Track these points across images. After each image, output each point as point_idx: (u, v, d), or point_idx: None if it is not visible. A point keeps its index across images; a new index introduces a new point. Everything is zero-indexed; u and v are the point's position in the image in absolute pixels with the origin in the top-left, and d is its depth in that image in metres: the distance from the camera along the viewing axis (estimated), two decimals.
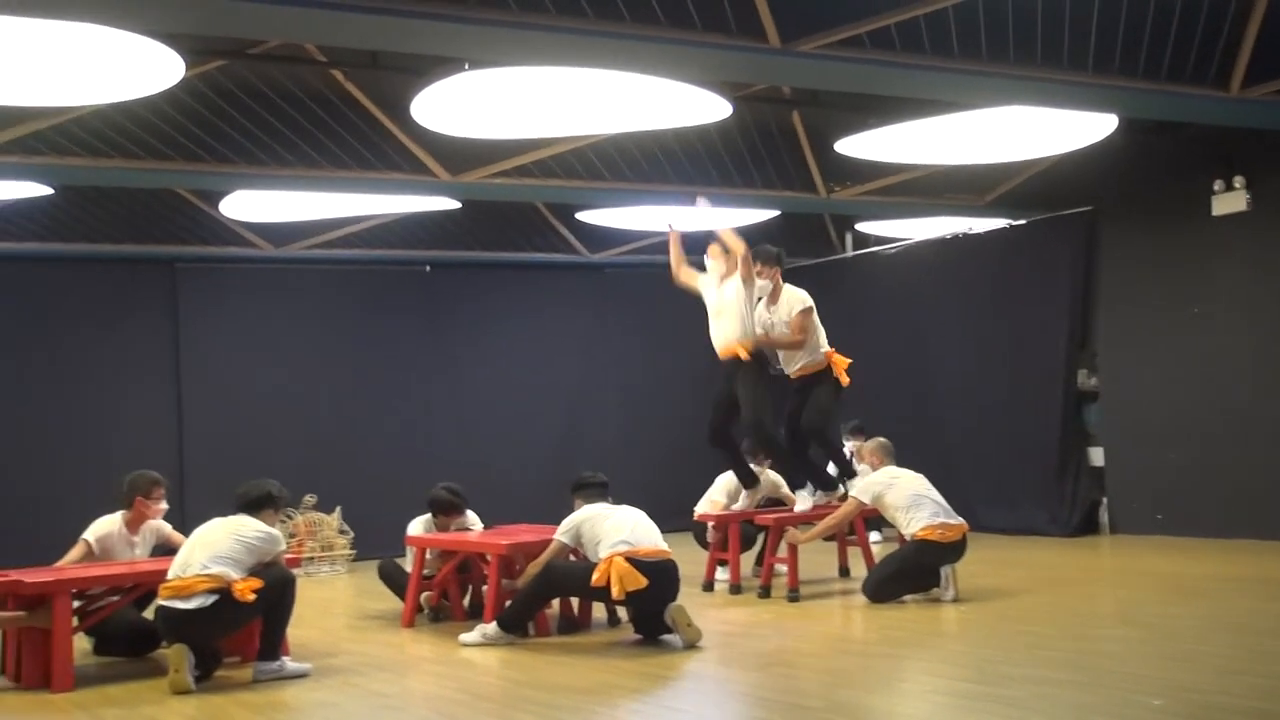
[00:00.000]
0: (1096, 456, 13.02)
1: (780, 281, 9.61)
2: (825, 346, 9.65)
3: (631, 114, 9.34)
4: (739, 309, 9.29)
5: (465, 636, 7.89)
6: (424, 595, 8.95)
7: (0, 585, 7.20)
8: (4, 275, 12.54)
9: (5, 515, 11.50)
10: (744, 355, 9.22)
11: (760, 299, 9.54)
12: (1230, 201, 11.70)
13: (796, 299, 9.55)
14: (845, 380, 9.70)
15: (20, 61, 7.35)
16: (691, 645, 7.47)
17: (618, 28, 6.95)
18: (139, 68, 7.59)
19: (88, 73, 7.68)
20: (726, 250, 9.45)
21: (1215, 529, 11.66)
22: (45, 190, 10.77)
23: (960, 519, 8.97)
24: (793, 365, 9.71)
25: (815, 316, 9.59)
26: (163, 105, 8.86)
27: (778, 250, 9.65)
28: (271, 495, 7.34)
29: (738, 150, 11.32)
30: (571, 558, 7.97)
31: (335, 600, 10.70)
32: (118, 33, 6.81)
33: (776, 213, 13.26)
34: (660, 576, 7.57)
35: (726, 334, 9.35)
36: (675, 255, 9.78)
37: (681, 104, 9.04)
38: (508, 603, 8.03)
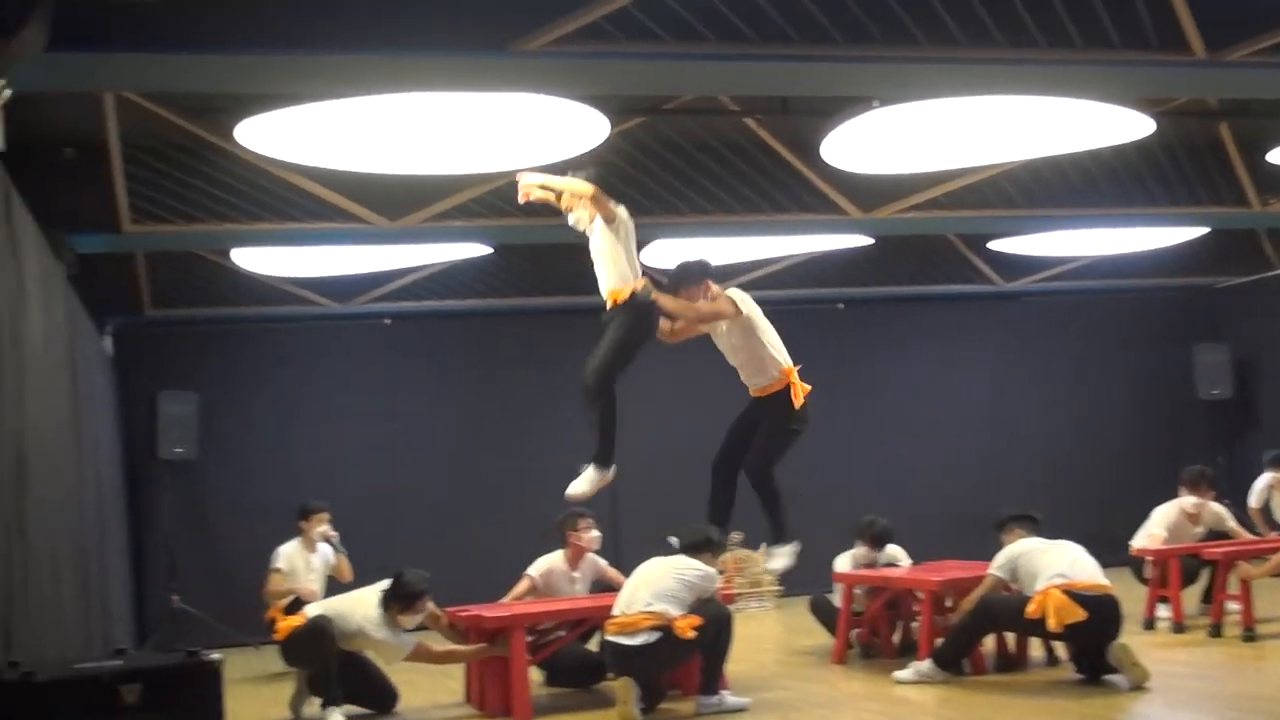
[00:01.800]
0: None
1: (720, 291, 8.11)
2: (783, 362, 8.22)
3: (1046, 139, 9.06)
4: (608, 253, 7.60)
5: (900, 674, 7.80)
6: (854, 632, 8.92)
7: (464, 620, 7.72)
8: (451, 330, 13.41)
9: (459, 554, 12.23)
10: (614, 301, 7.51)
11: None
12: None
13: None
14: (798, 403, 8.24)
15: (461, 133, 7.90)
16: (1138, 686, 7.10)
17: (1032, 54, 6.76)
18: (568, 130, 8.00)
19: (523, 139, 8.16)
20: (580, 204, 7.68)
21: None
22: (485, 250, 11.47)
23: None
24: (747, 379, 8.35)
25: (758, 319, 8.18)
26: (588, 164, 9.28)
27: (699, 262, 8.16)
28: (711, 540, 7.57)
29: (1160, 168, 10.77)
30: (1005, 593, 7.75)
31: (765, 636, 10.82)
32: (550, 99, 7.22)
33: (1205, 230, 12.53)
34: (1100, 611, 7.26)
35: (604, 284, 7.63)
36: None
37: (1099, 124, 8.70)
38: (939, 640, 7.90)
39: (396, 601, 7.40)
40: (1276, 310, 14.42)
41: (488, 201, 9.70)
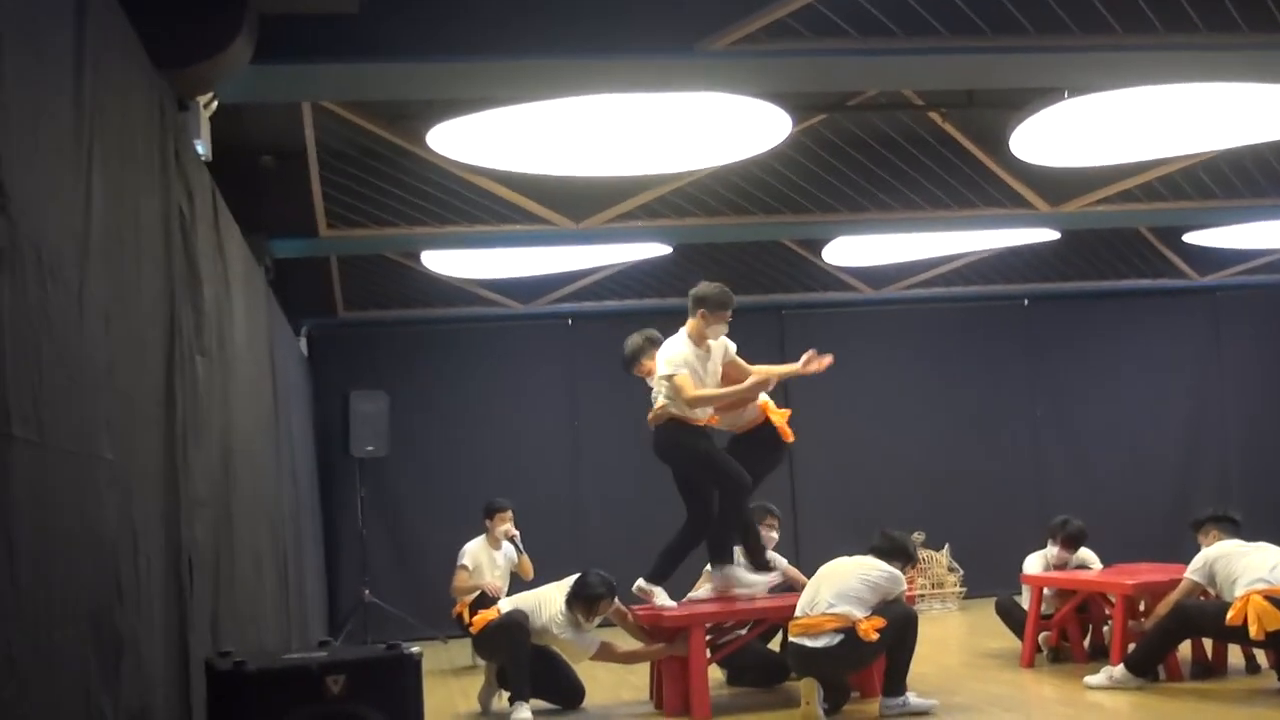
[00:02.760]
0: None
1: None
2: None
3: (1246, 126, 8.72)
4: None
5: (1091, 679, 7.62)
6: (1042, 635, 8.73)
7: (644, 618, 7.77)
8: (630, 329, 13.39)
9: (640, 553, 12.27)
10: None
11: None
12: None
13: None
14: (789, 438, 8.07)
15: (645, 134, 7.96)
16: None
17: (1231, 39, 6.51)
18: (751, 129, 7.99)
19: (704, 138, 8.18)
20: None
21: None
22: (665, 249, 11.54)
23: None
24: (728, 426, 8.15)
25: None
26: (771, 162, 9.28)
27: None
28: (907, 551, 7.51)
29: None
30: (1202, 598, 7.50)
31: (949, 638, 10.66)
32: (733, 98, 7.22)
33: None
34: None
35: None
36: None
37: None
38: (1132, 645, 7.68)
39: (579, 602, 7.48)
40: None
41: (669, 201, 9.76)
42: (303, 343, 12.27)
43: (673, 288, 13.06)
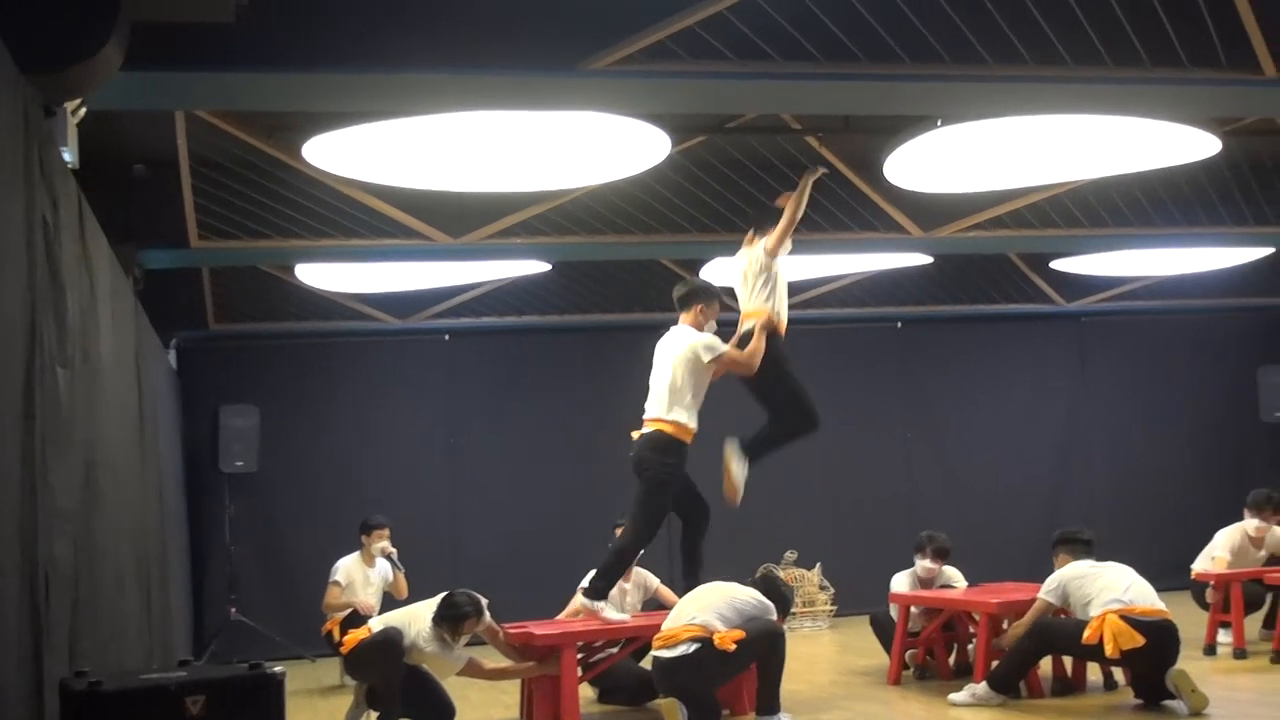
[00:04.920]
0: None
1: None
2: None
3: (1110, 158, 9.00)
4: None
5: (955, 696, 7.76)
6: (909, 652, 8.87)
7: (516, 637, 7.73)
8: (510, 345, 13.49)
9: (513, 566, 12.25)
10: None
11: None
12: None
13: None
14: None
15: (525, 151, 7.96)
16: (1197, 713, 7.04)
17: (1097, 72, 6.72)
18: (631, 149, 8.04)
19: (584, 157, 8.21)
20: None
21: None
22: (544, 266, 11.53)
23: None
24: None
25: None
26: (650, 182, 9.33)
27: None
28: (786, 600, 7.71)
29: (1226, 187, 10.65)
30: (1062, 615, 7.69)
31: (820, 655, 10.78)
32: (613, 118, 7.26)
33: (1270, 250, 12.41)
34: (1159, 636, 7.21)
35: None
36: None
37: (1165, 143, 8.63)
38: (995, 662, 7.84)
39: (445, 622, 7.43)
40: None
41: (549, 219, 9.76)
42: (172, 355, 12.03)
43: (552, 305, 13.09)
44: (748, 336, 7.84)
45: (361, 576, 9.63)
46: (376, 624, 7.81)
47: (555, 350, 13.61)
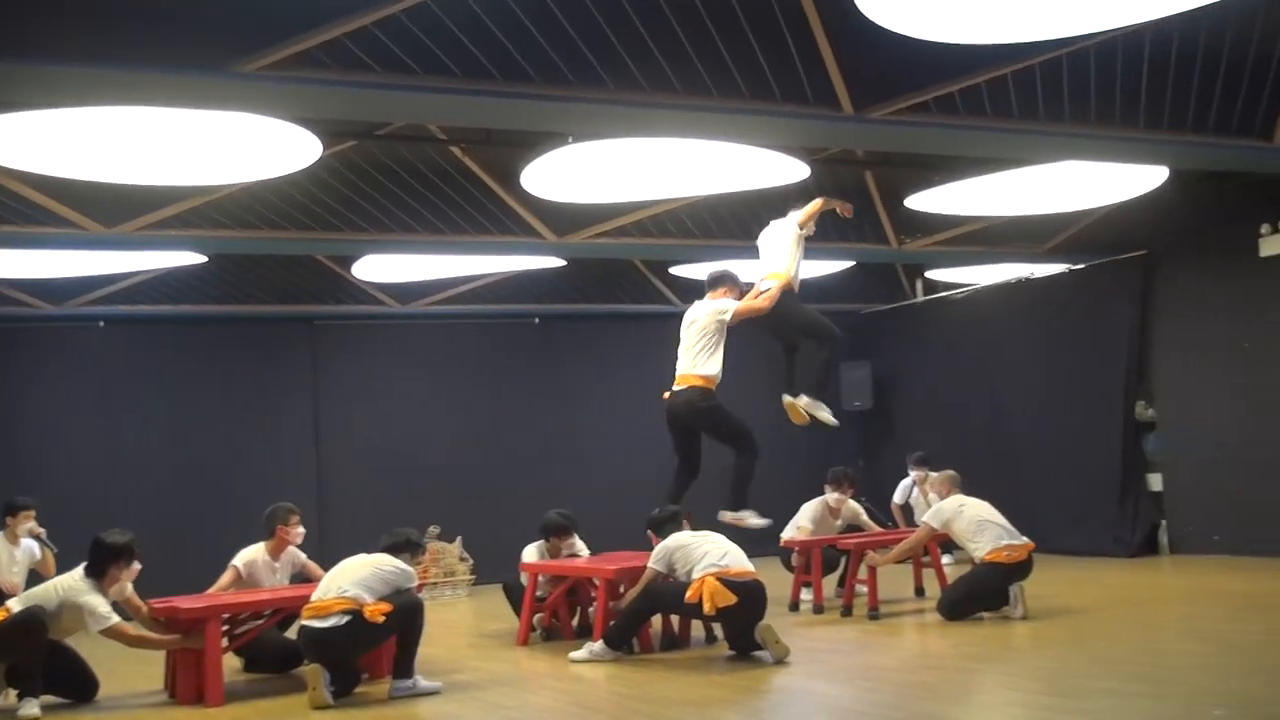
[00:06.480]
0: (1155, 482, 12.77)
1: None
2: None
3: (718, 178, 9.38)
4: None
5: (575, 654, 7.91)
6: (536, 616, 8.99)
7: (160, 611, 7.38)
8: (165, 335, 12.88)
9: (166, 548, 11.67)
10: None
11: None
12: (1276, 243, 11.46)
13: None
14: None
15: (180, 146, 7.60)
16: (780, 661, 7.43)
17: (705, 101, 6.99)
18: (282, 150, 7.80)
19: (238, 155, 7.91)
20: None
21: (1272, 548, 11.36)
22: (200, 259, 11.04)
23: (1025, 540, 8.85)
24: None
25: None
26: (303, 182, 9.08)
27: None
28: (412, 541, 7.50)
29: None
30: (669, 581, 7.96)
31: (458, 622, 10.78)
32: (265, 119, 7.02)
33: (852, 263, 13.23)
34: (749, 595, 7.57)
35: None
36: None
37: (764, 167, 9.07)
38: (612, 622, 8.05)
39: (94, 566, 7.01)
40: (910, 334, 15.37)
41: (203, 213, 9.36)
42: None
43: (209, 295, 12.56)
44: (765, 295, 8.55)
45: (6, 556, 8.95)
46: (15, 604, 7.27)
47: (211, 339, 13.08)
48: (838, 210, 9.04)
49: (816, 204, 8.81)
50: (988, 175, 9.75)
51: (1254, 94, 8.10)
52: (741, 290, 8.66)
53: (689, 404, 8.32)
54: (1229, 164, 9.46)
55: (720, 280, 8.66)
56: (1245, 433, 11.77)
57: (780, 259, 8.67)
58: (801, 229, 8.72)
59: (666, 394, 8.53)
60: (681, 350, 8.57)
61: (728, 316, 8.39)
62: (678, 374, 8.50)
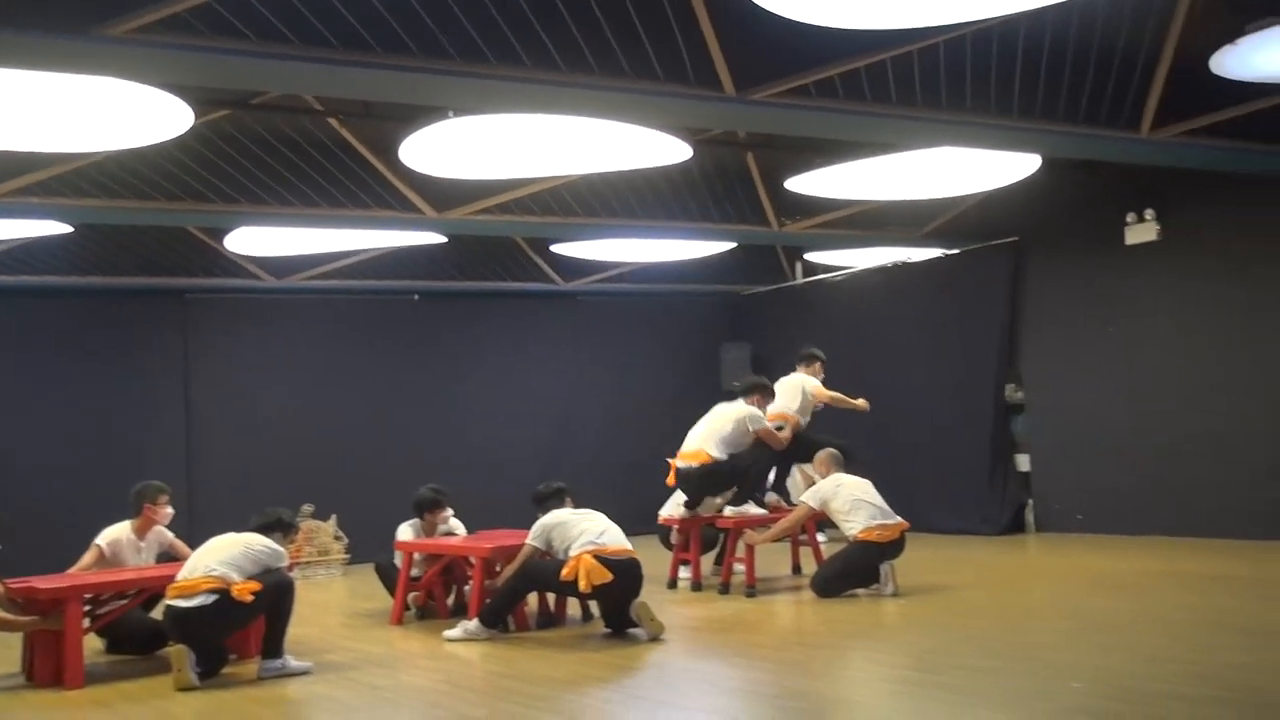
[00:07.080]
0: (1023, 462, 13.13)
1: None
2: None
3: (601, 156, 9.35)
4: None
5: (450, 632, 7.86)
6: (411, 595, 8.92)
7: (17, 592, 7.15)
8: (28, 306, 12.48)
9: (29, 527, 11.37)
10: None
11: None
12: (1142, 232, 11.84)
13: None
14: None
15: (42, 111, 7.33)
16: (655, 638, 7.47)
17: (587, 79, 6.97)
18: (152, 117, 7.56)
19: (104, 121, 7.64)
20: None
21: (1131, 527, 11.77)
22: (65, 228, 10.69)
23: (898, 519, 9.02)
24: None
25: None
26: (173, 151, 8.84)
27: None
28: (283, 520, 7.36)
29: (697, 188, 11.36)
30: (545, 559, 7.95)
31: (331, 601, 10.64)
32: (133, 85, 6.80)
33: (733, 244, 13.33)
34: (625, 573, 7.59)
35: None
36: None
37: (646, 147, 9.07)
38: (488, 600, 8.01)
39: None
40: (789, 315, 15.53)
41: (67, 180, 9.07)
42: None
43: (75, 267, 12.18)
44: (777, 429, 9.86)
45: None
46: None
47: (77, 314, 12.70)
48: (856, 408, 10.36)
49: (843, 399, 10.24)
50: (867, 159, 9.88)
51: (1123, 86, 8.34)
52: (765, 399, 9.86)
53: (699, 477, 9.57)
54: (1099, 154, 9.72)
55: (754, 389, 9.83)
56: (1108, 415, 12.15)
57: (792, 406, 10.05)
58: (820, 399, 10.18)
59: (673, 461, 9.72)
60: (703, 427, 9.69)
61: (751, 430, 9.56)
62: (689, 448, 9.62)
